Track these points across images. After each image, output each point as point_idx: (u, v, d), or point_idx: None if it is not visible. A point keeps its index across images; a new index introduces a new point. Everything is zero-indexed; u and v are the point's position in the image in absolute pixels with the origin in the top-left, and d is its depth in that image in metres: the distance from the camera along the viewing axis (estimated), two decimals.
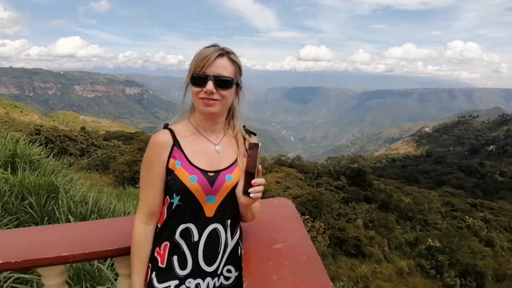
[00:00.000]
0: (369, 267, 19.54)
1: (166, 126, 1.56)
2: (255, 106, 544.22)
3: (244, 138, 1.64)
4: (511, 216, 44.53)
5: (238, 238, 1.61)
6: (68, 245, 1.60)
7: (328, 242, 21.74)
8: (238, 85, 1.57)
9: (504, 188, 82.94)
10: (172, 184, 1.48)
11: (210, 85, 1.45)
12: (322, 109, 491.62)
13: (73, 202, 3.82)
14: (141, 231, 1.54)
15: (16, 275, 2.45)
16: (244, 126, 1.67)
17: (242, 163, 1.54)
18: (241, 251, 1.61)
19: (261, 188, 1.43)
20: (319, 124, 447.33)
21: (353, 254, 22.17)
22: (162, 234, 1.54)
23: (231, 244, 1.57)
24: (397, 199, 33.65)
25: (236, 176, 1.51)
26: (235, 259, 1.59)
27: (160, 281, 1.51)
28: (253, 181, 1.41)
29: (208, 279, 1.54)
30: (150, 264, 1.54)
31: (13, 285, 2.44)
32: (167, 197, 1.52)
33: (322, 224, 22.69)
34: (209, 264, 1.52)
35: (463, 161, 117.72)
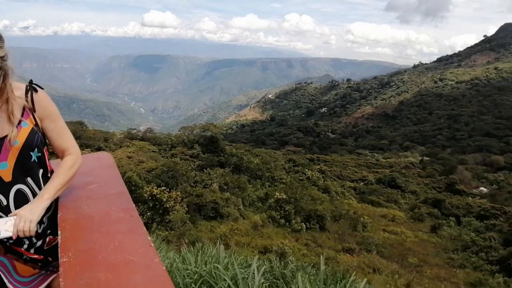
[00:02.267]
0: (227, 226, 20.57)
1: None
2: (97, 76, 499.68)
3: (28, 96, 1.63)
4: (341, 166, 52.56)
5: None
6: None
7: (187, 209, 21.96)
8: None
9: (335, 143, 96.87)
10: None
11: None
12: (171, 78, 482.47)
13: None
14: None
15: None
16: (30, 81, 1.65)
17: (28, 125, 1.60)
18: (58, 199, 1.72)
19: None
20: (169, 93, 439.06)
21: (212, 217, 22.95)
22: None
23: None
24: (248, 161, 35.84)
25: (21, 138, 1.55)
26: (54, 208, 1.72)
27: None
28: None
29: None
30: None
31: None
32: None
33: (179, 193, 22.73)
34: None
35: (301, 122, 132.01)
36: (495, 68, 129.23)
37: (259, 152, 49.21)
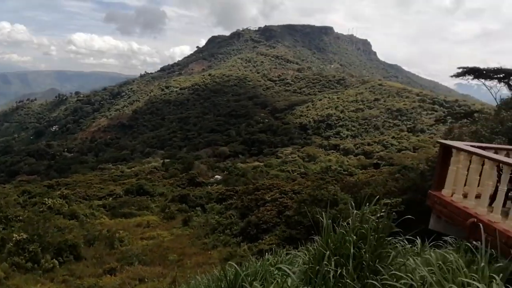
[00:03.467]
0: None
1: None
2: None
3: None
4: (85, 185, 49.77)
5: None
6: None
7: None
8: None
9: (75, 162, 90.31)
10: None
11: None
12: None
13: None
14: None
15: None
16: None
17: None
18: None
19: None
20: None
21: None
22: None
23: None
24: None
25: None
26: None
27: None
28: None
29: None
30: None
31: None
32: None
33: None
34: None
35: (31, 146, 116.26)
36: (209, 75, 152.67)
37: None
